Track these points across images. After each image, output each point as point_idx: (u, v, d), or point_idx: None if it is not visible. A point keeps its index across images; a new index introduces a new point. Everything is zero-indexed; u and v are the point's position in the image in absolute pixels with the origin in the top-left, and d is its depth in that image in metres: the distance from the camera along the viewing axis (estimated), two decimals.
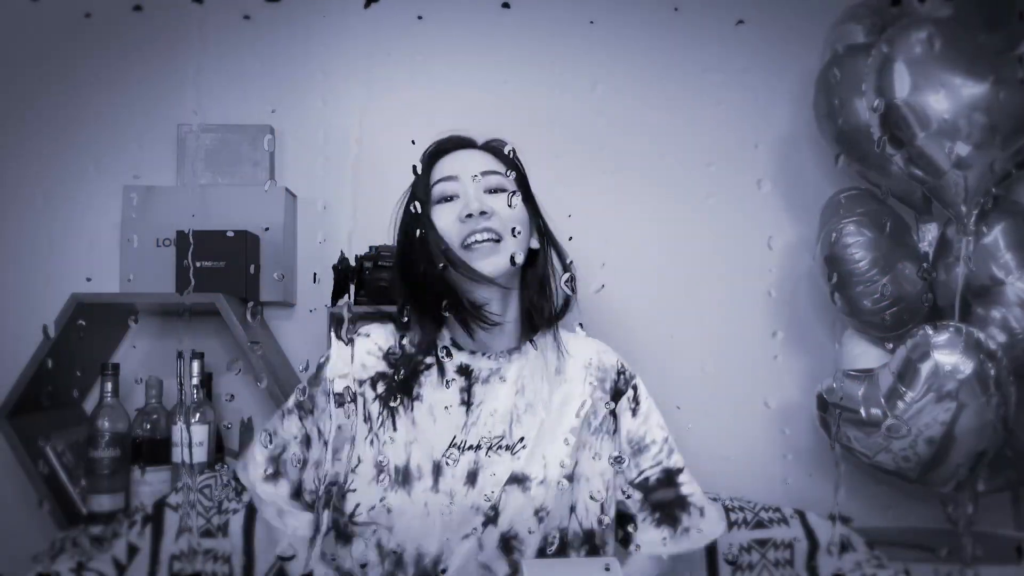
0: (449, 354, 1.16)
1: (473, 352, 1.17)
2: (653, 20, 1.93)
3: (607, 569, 0.87)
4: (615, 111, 1.90)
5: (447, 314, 1.16)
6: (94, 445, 1.54)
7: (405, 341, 1.18)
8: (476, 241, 1.12)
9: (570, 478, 1.13)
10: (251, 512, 1.40)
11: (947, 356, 1.47)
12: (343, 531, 1.11)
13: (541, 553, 1.09)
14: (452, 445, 1.11)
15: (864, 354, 1.68)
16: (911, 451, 1.51)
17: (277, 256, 1.80)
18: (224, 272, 1.69)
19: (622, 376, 1.24)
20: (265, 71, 1.90)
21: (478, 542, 1.07)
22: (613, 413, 1.21)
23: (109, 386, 1.56)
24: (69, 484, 1.61)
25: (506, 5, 1.85)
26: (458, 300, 1.14)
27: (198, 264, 1.68)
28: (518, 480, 1.10)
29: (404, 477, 1.09)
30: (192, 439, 1.57)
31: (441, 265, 1.12)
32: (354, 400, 1.14)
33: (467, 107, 1.90)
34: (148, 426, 1.57)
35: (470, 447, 1.11)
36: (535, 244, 1.22)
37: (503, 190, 1.17)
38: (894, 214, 1.70)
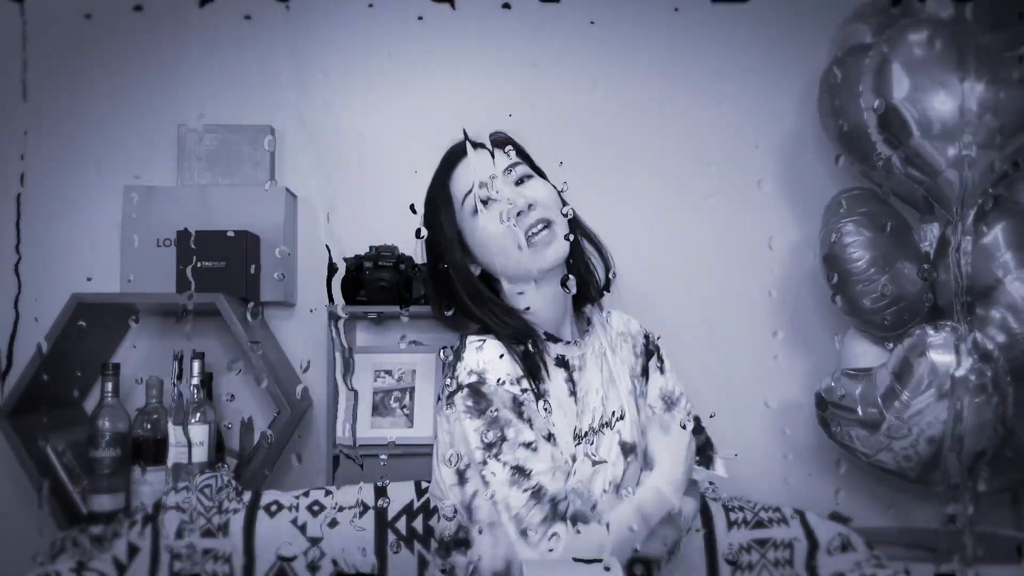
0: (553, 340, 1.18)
1: (561, 341, 1.19)
2: (653, 20, 1.93)
3: (607, 569, 0.87)
4: (615, 111, 1.90)
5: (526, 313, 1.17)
6: (94, 445, 1.54)
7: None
8: (535, 234, 1.13)
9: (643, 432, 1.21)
10: (251, 512, 1.40)
11: (943, 356, 1.47)
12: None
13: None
14: (574, 436, 1.13)
15: (865, 354, 1.67)
16: (912, 450, 1.51)
17: (277, 256, 1.79)
18: (224, 272, 1.69)
19: (649, 339, 1.32)
20: (265, 71, 1.90)
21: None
22: (645, 373, 1.28)
23: (109, 386, 1.56)
24: (69, 484, 1.61)
25: (506, 5, 1.85)
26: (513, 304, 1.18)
27: (198, 264, 1.68)
28: (631, 450, 1.15)
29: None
30: (191, 439, 1.57)
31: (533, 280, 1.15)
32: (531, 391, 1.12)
33: (467, 107, 1.90)
34: (148, 426, 1.57)
35: (585, 433, 1.14)
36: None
37: (529, 176, 1.18)
38: (895, 214, 1.70)
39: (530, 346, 1.15)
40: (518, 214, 1.12)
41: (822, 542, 1.43)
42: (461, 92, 1.90)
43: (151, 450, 1.57)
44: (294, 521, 1.39)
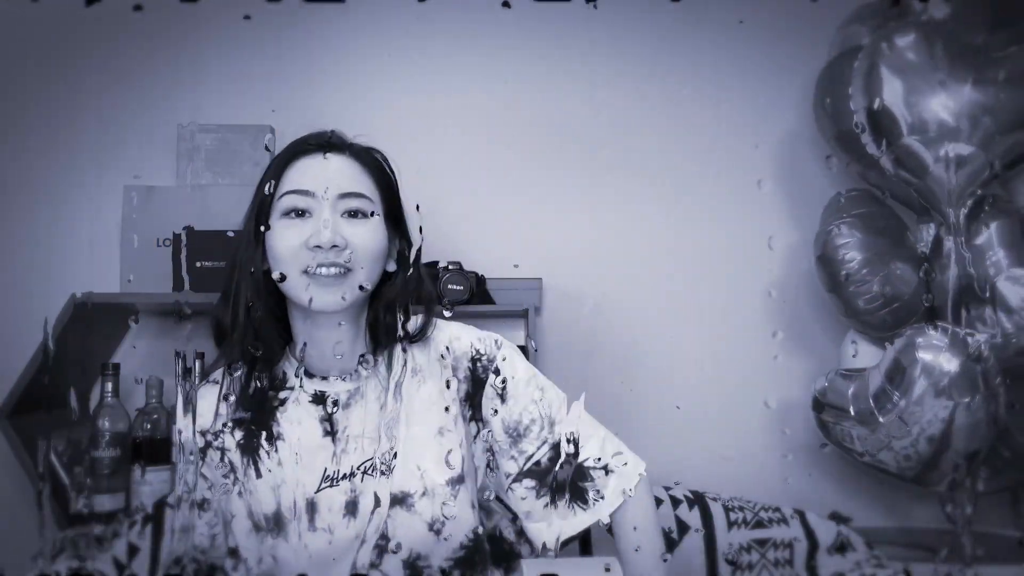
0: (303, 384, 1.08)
1: (325, 377, 1.08)
2: (653, 20, 1.93)
3: (607, 570, 0.87)
4: (615, 111, 1.90)
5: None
6: (94, 445, 1.54)
7: (241, 377, 1.08)
8: (321, 273, 1.01)
9: (460, 479, 1.06)
10: None
11: (934, 356, 1.48)
12: None
13: (456, 562, 1.04)
14: (324, 479, 1.04)
15: (864, 354, 1.68)
16: (912, 450, 1.51)
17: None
18: (224, 272, 1.68)
19: (478, 362, 1.11)
20: (265, 71, 1.90)
21: (381, 574, 1.01)
22: (471, 402, 1.11)
23: (109, 386, 1.56)
24: (69, 484, 1.61)
25: (506, 5, 1.84)
26: (294, 328, 1.08)
27: (198, 264, 1.68)
28: (399, 500, 1.03)
29: (276, 522, 1.04)
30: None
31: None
32: (204, 452, 1.08)
33: (467, 107, 1.90)
34: (148, 426, 1.57)
35: (343, 476, 1.04)
36: (392, 267, 1.11)
37: (364, 215, 1.05)
38: (892, 215, 1.70)
39: (259, 382, 1.06)
40: (316, 246, 1.01)
41: (822, 542, 1.43)
42: (461, 92, 1.90)
43: (151, 450, 1.57)
44: None
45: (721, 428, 1.84)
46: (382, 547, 1.02)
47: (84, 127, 1.88)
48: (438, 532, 1.03)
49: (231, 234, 1.70)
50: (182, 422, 1.07)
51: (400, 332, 1.10)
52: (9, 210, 1.86)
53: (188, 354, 1.60)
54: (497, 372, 1.11)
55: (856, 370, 1.65)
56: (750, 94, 1.91)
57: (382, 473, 1.04)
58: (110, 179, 1.83)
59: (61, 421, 1.68)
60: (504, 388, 1.11)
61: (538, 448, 1.09)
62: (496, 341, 1.13)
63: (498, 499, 1.16)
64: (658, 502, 1.47)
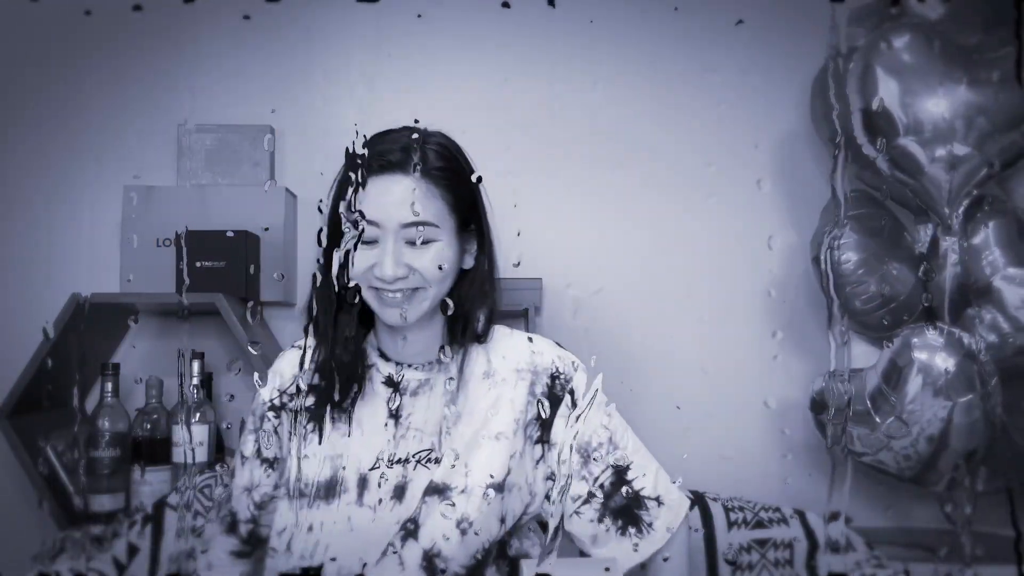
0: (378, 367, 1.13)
1: (399, 363, 1.12)
2: (653, 20, 1.93)
3: (607, 570, 0.87)
4: (615, 111, 1.90)
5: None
6: (94, 445, 1.54)
7: (326, 354, 1.11)
8: (388, 292, 1.05)
9: (499, 487, 1.06)
10: None
11: (929, 357, 1.48)
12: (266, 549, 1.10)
13: (468, 571, 1.03)
14: (379, 459, 1.07)
15: (863, 354, 1.68)
16: (912, 449, 1.51)
17: (277, 256, 1.80)
18: (224, 272, 1.69)
19: (557, 380, 1.13)
20: (265, 71, 1.90)
21: (399, 559, 1.02)
22: (542, 422, 1.11)
23: (109, 386, 1.56)
24: (69, 484, 1.61)
25: (506, 5, 1.85)
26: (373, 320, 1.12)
27: (198, 264, 1.68)
28: (437, 490, 1.04)
29: (328, 491, 1.06)
30: (192, 439, 1.57)
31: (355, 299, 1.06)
32: (279, 412, 1.13)
33: (467, 107, 1.90)
34: (148, 426, 1.57)
35: (398, 461, 1.06)
36: (469, 263, 1.12)
37: (429, 241, 1.05)
38: (890, 216, 1.70)
39: (343, 356, 1.09)
40: (379, 277, 1.03)
41: (822, 542, 1.43)
42: (461, 92, 1.90)
43: (151, 450, 1.57)
44: None
45: (721, 428, 1.84)
46: (409, 531, 1.03)
47: (84, 127, 1.88)
48: (464, 532, 1.03)
49: (231, 234, 1.70)
50: (263, 385, 1.14)
51: (479, 331, 1.12)
52: (9, 210, 1.86)
53: (186, 353, 1.61)
54: (572, 392, 1.12)
55: (853, 371, 1.65)
56: (750, 94, 1.90)
57: (437, 464, 1.06)
58: (110, 179, 1.83)
59: (61, 421, 1.69)
60: (575, 411, 1.12)
61: (603, 471, 1.11)
62: (573, 362, 1.15)
63: (542, 527, 1.17)
64: None
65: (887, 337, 1.66)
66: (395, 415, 1.09)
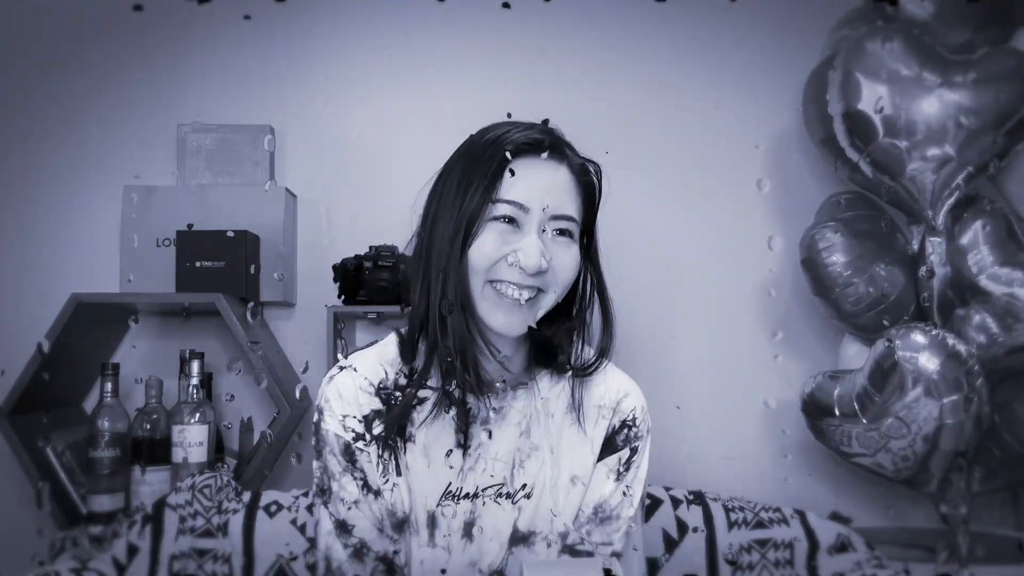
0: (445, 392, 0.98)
1: (473, 390, 0.99)
2: (653, 20, 1.93)
3: (607, 570, 0.87)
4: (615, 111, 1.90)
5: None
6: (94, 445, 1.54)
7: (395, 371, 1.00)
8: (510, 292, 0.94)
9: (566, 535, 1.00)
10: (251, 512, 1.40)
11: (916, 357, 1.48)
12: None
13: None
14: (446, 494, 0.98)
15: (859, 355, 1.68)
16: (910, 450, 1.52)
17: (277, 256, 1.80)
18: (224, 272, 1.69)
19: (628, 430, 1.04)
20: (265, 71, 1.90)
21: None
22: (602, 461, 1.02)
23: (109, 386, 1.56)
24: (69, 484, 1.61)
25: (506, 5, 1.84)
26: (470, 337, 0.95)
27: (198, 264, 1.68)
28: (523, 539, 0.98)
29: (402, 528, 0.99)
30: (192, 439, 1.57)
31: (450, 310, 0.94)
32: (362, 440, 0.99)
33: (467, 107, 1.90)
34: (148, 426, 1.57)
35: (466, 495, 0.98)
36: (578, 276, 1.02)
37: (571, 236, 0.97)
38: (882, 217, 1.70)
39: (401, 373, 0.97)
40: (519, 267, 0.93)
41: (822, 542, 1.43)
42: (461, 92, 1.90)
43: (150, 450, 1.57)
44: (293, 521, 1.39)
45: (721, 428, 1.84)
46: None
47: (84, 127, 1.88)
48: None
49: (231, 234, 1.70)
50: (329, 418, 0.98)
51: (570, 362, 1.02)
52: (9, 210, 1.86)
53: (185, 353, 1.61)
54: (633, 451, 1.03)
55: (843, 371, 1.66)
56: (749, 95, 1.90)
57: (511, 501, 0.98)
58: (110, 179, 1.83)
59: (61, 421, 1.69)
60: (627, 470, 1.03)
61: (602, 543, 1.02)
62: (649, 425, 1.06)
63: None
64: (658, 502, 1.47)
65: (875, 338, 1.66)
66: (463, 445, 0.99)
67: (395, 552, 0.98)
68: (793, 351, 1.89)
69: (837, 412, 1.58)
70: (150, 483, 1.55)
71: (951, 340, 1.49)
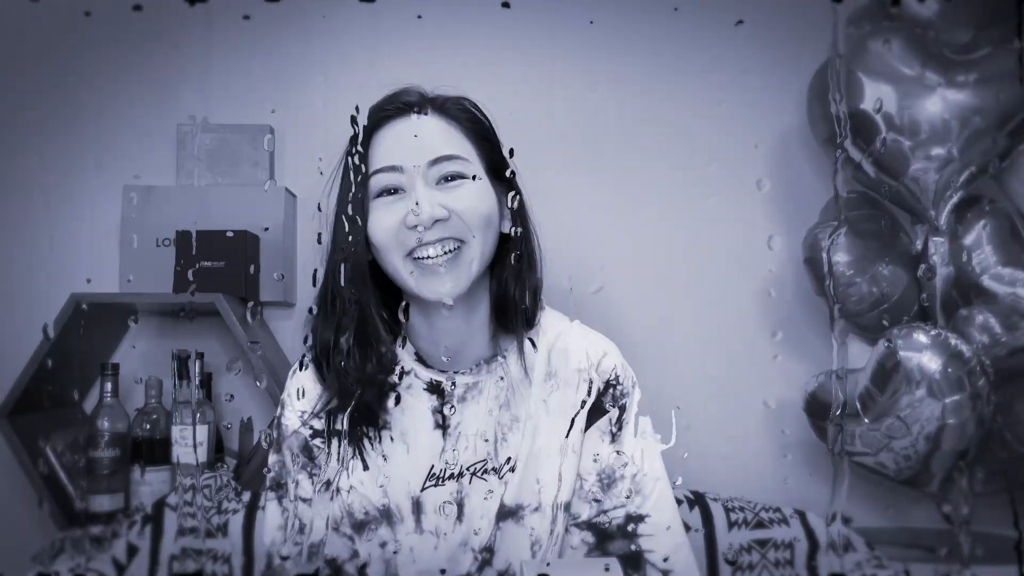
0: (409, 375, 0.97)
1: (444, 370, 0.99)
2: (653, 20, 1.93)
3: (607, 569, 0.87)
4: (615, 111, 1.90)
5: (403, 319, 0.97)
6: (94, 445, 1.54)
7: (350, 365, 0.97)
8: (428, 256, 0.92)
9: (567, 506, 0.98)
10: (251, 512, 1.40)
11: (916, 357, 1.48)
12: None
13: None
14: (430, 476, 0.96)
15: (860, 355, 1.68)
16: (912, 450, 1.51)
17: (277, 256, 1.79)
18: (224, 272, 1.68)
19: (612, 389, 1.03)
20: (265, 71, 1.90)
21: None
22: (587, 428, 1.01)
23: (109, 386, 1.56)
24: (69, 484, 1.61)
25: (506, 5, 1.84)
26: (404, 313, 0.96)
27: (198, 264, 1.68)
28: (511, 513, 0.96)
29: (386, 518, 0.97)
30: (192, 439, 1.57)
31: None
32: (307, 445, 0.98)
33: None
34: (148, 426, 1.57)
35: (451, 476, 0.96)
36: (507, 227, 1.00)
37: (463, 177, 0.95)
38: (886, 217, 1.70)
39: (368, 365, 0.95)
40: (415, 227, 0.91)
41: (822, 542, 1.43)
42: (461, 92, 1.89)
43: (150, 450, 1.57)
44: None
45: (721, 428, 1.84)
46: (486, 560, 0.96)
47: (84, 127, 1.88)
48: (534, 555, 0.96)
49: (230, 234, 1.70)
50: (289, 414, 0.98)
51: (535, 317, 0.99)
52: (9, 210, 1.86)
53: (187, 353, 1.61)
54: (623, 409, 1.02)
55: (845, 371, 1.66)
56: (749, 94, 1.90)
57: (497, 476, 0.96)
58: (110, 179, 1.83)
59: (61, 421, 1.68)
60: (620, 430, 1.02)
61: (615, 507, 0.99)
62: (632, 378, 1.05)
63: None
64: None
65: (878, 338, 1.66)
66: (442, 426, 0.98)
67: (353, 555, 0.97)
68: (793, 351, 1.88)
69: (835, 411, 1.58)
70: (150, 483, 1.55)
71: (953, 340, 1.49)
